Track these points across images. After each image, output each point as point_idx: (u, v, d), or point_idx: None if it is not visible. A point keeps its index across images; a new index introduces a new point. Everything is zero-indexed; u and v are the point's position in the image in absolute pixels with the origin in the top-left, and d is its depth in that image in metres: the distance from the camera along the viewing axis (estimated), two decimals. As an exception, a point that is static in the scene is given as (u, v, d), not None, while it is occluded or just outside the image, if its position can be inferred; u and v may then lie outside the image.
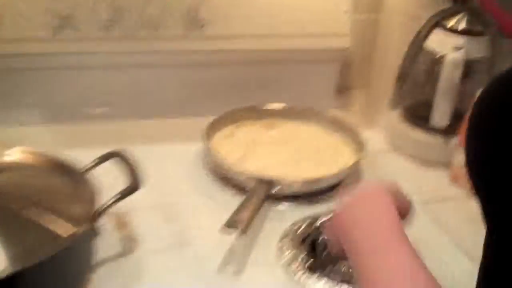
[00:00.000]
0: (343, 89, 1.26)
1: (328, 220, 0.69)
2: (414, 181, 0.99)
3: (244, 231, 0.77)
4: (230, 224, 0.77)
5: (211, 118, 1.04)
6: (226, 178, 0.96)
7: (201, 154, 1.03)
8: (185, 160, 1.02)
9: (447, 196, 0.98)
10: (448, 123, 0.99)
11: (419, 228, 0.83)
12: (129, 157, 0.79)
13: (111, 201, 0.74)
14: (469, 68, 1.01)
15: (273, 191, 0.90)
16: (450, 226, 0.90)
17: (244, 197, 0.87)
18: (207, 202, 0.93)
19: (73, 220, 0.71)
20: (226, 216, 0.81)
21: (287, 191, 0.92)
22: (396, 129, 1.09)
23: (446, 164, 1.02)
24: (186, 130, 1.09)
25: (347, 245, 0.60)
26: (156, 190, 0.92)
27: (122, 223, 0.85)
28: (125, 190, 0.75)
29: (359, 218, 0.60)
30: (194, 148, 1.03)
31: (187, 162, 1.02)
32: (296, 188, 0.92)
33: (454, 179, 1.00)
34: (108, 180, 0.82)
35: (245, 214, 0.79)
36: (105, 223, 0.82)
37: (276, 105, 1.11)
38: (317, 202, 0.93)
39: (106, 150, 0.84)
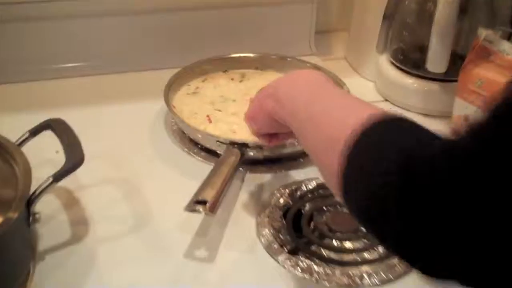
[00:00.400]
0: (322, 33, 1.12)
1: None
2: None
3: (211, 212, 0.64)
4: (192, 207, 0.63)
5: (172, 72, 0.90)
6: (192, 142, 0.83)
7: (163, 114, 0.89)
8: (143, 122, 0.88)
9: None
10: (446, 68, 0.85)
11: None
12: (68, 126, 0.65)
13: (48, 182, 0.60)
14: (466, 2, 0.87)
15: (247, 156, 0.77)
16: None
17: (213, 164, 0.74)
18: (171, 172, 0.79)
19: (5, 205, 0.58)
20: (194, 188, 0.67)
21: (263, 155, 0.79)
22: (386, 77, 0.96)
23: (445, 114, 0.90)
24: (144, 86, 0.95)
25: (287, 113, 0.59)
26: (110, 160, 0.79)
27: (70, 203, 0.72)
28: (64, 167, 0.61)
29: (299, 88, 0.60)
30: (154, 107, 0.89)
31: (146, 124, 0.88)
32: (273, 152, 0.79)
33: (455, 131, 0.87)
34: (47, 154, 0.68)
35: (212, 191, 0.66)
36: (49, 203, 0.69)
37: (247, 54, 0.96)
38: (297, 166, 0.80)
39: (49, 115, 0.70)
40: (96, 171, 0.75)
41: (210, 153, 0.81)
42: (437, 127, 0.88)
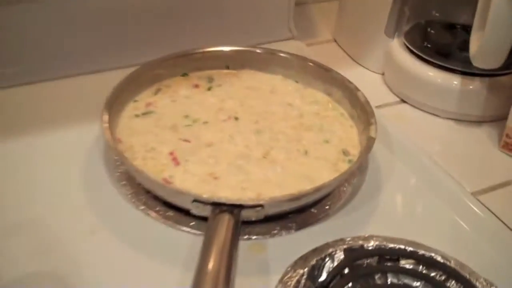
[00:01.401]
0: (299, 5, 0.85)
1: None
2: (448, 151, 0.63)
3: None
4: None
5: (111, 76, 0.62)
6: (151, 194, 0.56)
7: (100, 147, 0.61)
8: (74, 163, 0.59)
9: (501, 177, 0.62)
10: (502, 62, 0.61)
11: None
12: None
13: None
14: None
15: (242, 219, 0.51)
16: None
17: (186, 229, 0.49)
18: (125, 251, 0.51)
19: None
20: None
21: (265, 213, 0.53)
22: (402, 70, 0.71)
23: (488, 120, 0.67)
24: (72, 102, 0.67)
25: None
26: (28, 238, 0.52)
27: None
28: None
29: None
30: (88, 135, 0.62)
31: (78, 165, 0.59)
32: (275, 210, 0.53)
33: (508, 147, 0.64)
34: None
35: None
36: None
37: (214, 49, 0.69)
38: (310, 221, 0.55)
39: None
40: (8, 261, 0.48)
41: (181, 211, 0.54)
42: (478, 137, 0.67)
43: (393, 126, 0.66)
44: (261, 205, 0.50)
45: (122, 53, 0.70)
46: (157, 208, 0.55)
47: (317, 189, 0.52)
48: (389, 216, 0.57)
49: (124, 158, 0.54)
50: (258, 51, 0.69)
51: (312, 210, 0.56)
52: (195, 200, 0.50)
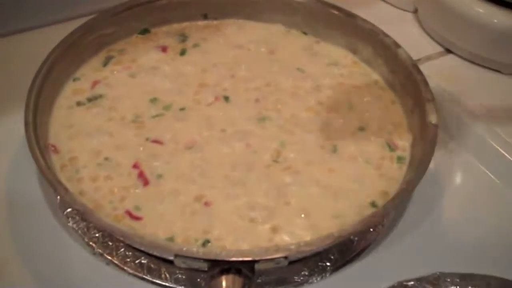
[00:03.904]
0: None
1: None
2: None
3: None
4: None
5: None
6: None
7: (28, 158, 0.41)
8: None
9: None
10: None
11: None
12: None
13: None
14: None
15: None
16: None
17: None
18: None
19: None
20: None
21: (283, 264, 0.34)
22: (448, 6, 0.51)
23: None
24: None
25: None
26: None
27: None
28: None
29: None
30: (18, 130, 0.41)
31: (4, 183, 0.40)
32: (303, 255, 0.35)
33: None
34: None
35: None
36: None
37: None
38: (353, 254, 0.38)
39: None
40: None
41: (159, 257, 0.36)
42: None
43: (442, 92, 0.47)
44: (284, 257, 0.32)
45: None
46: (122, 252, 0.36)
47: (365, 223, 0.34)
48: (457, 239, 0.39)
49: (60, 190, 0.34)
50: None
51: (352, 237, 0.38)
52: (176, 256, 0.32)
